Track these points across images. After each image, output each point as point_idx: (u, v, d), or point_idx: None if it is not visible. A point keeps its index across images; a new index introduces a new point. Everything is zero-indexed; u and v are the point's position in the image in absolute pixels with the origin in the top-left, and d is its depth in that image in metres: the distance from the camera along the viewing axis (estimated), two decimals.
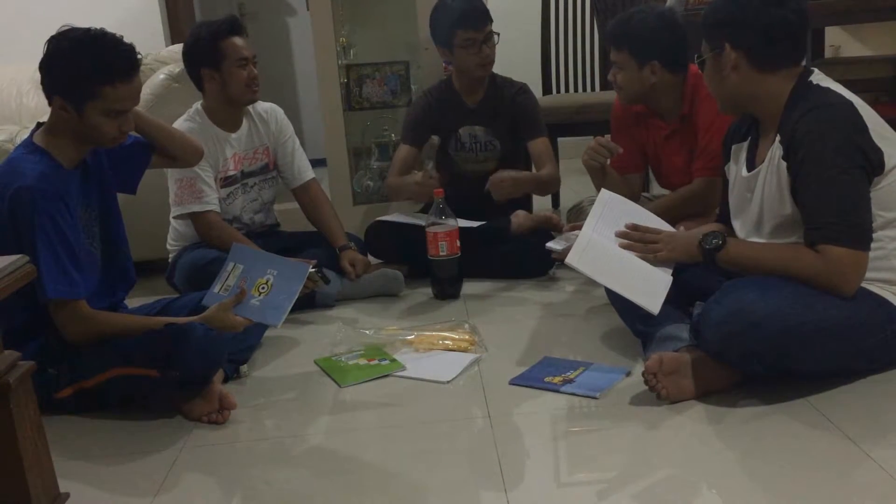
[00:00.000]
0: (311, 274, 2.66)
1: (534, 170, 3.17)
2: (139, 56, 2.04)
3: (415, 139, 3.18)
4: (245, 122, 2.91)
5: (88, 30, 2.01)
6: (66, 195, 2.02)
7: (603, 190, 2.31)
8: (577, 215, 2.98)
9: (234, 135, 2.88)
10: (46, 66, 2.02)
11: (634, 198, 2.81)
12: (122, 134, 2.10)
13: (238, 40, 2.77)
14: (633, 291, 2.01)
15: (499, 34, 3.04)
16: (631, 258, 2.08)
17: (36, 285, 1.92)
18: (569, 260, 2.04)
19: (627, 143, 2.73)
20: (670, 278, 2.04)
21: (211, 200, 2.79)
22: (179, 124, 2.81)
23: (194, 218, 2.80)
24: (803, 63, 1.97)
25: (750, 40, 1.91)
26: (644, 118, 2.74)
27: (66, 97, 2.00)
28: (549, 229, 3.05)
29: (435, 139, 3.17)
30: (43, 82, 2.04)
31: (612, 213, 2.19)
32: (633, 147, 2.76)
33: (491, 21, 3.02)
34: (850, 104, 1.86)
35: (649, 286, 2.01)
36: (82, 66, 1.97)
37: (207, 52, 2.75)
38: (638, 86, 2.58)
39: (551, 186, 3.18)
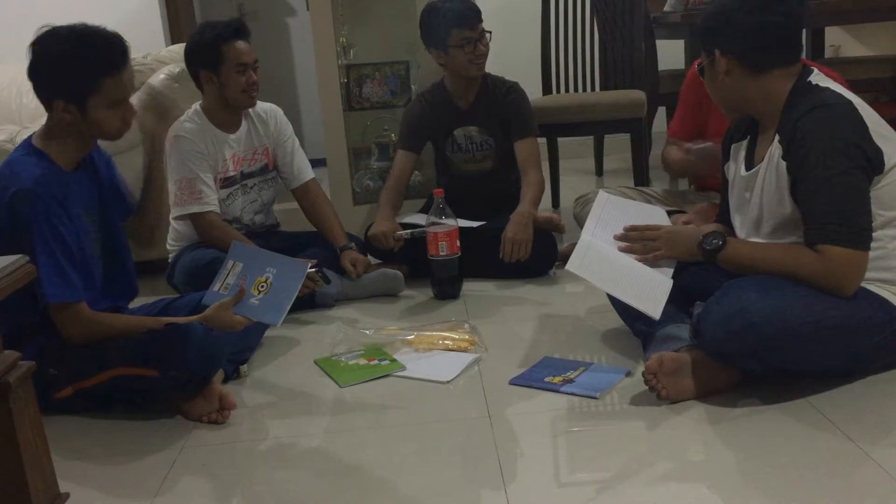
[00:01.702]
0: (311, 274, 2.67)
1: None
2: (126, 42, 2.05)
3: (411, 145, 3.18)
4: (244, 123, 2.91)
5: (73, 27, 2.01)
6: (65, 198, 2.02)
7: (600, 191, 2.32)
8: (584, 205, 2.97)
9: (233, 135, 2.88)
10: (40, 71, 2.01)
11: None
12: (126, 124, 2.09)
13: (240, 45, 2.76)
14: (634, 297, 2.01)
15: (490, 32, 3.05)
16: (632, 262, 2.08)
17: (36, 288, 1.92)
18: (569, 267, 2.04)
19: (692, 109, 2.74)
20: (671, 282, 2.04)
21: (210, 201, 2.79)
22: (179, 125, 2.81)
23: (194, 219, 2.80)
24: (800, 62, 1.97)
25: (737, 45, 1.92)
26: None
27: (67, 97, 1.99)
28: (549, 229, 3.05)
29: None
30: (38, 87, 2.03)
31: (610, 214, 2.20)
32: (696, 116, 2.76)
33: (482, 20, 3.04)
34: (850, 103, 1.86)
35: (650, 291, 2.01)
36: (79, 63, 1.97)
37: (207, 55, 2.75)
38: None
39: (541, 195, 3.13)
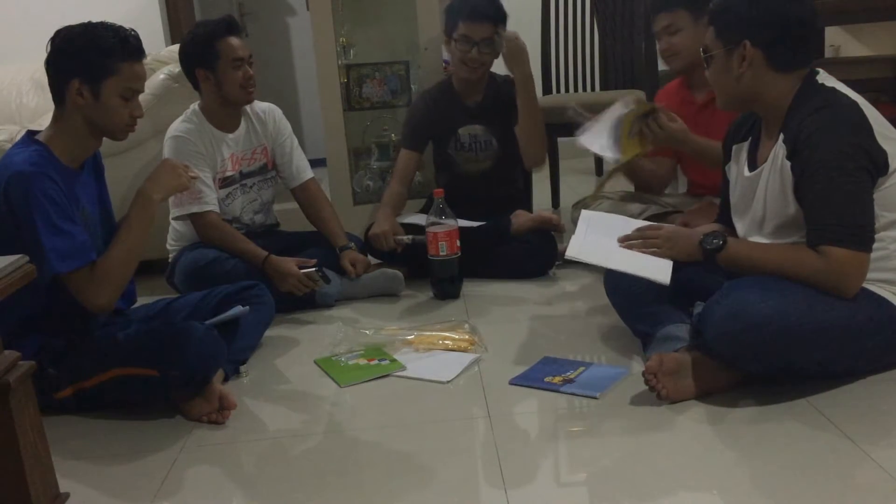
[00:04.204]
0: (311, 273, 2.68)
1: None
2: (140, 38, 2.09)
3: (414, 143, 3.17)
4: (243, 123, 2.91)
5: (90, 21, 2.05)
6: (66, 188, 2.00)
7: (583, 211, 2.33)
8: (580, 212, 2.97)
9: (231, 135, 2.87)
10: (61, 52, 2.03)
11: (662, 180, 2.87)
12: (133, 121, 2.10)
13: (234, 40, 2.75)
14: (639, 268, 2.01)
15: (500, 40, 2.98)
16: (629, 251, 2.09)
17: (41, 266, 1.89)
18: (569, 253, 2.05)
19: None
20: (671, 262, 2.04)
21: (210, 201, 2.78)
22: (177, 125, 2.80)
23: (194, 219, 2.80)
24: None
25: (773, 39, 1.89)
26: (677, 94, 2.75)
27: (84, 77, 2.01)
28: (549, 229, 3.05)
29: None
30: (56, 71, 2.04)
31: (597, 228, 2.20)
32: None
33: (496, 25, 2.96)
34: (856, 105, 1.85)
35: (653, 263, 2.02)
36: (102, 43, 2.00)
37: (203, 53, 2.75)
38: (696, 43, 2.57)
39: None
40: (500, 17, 3.01)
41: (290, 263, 2.71)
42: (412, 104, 3.31)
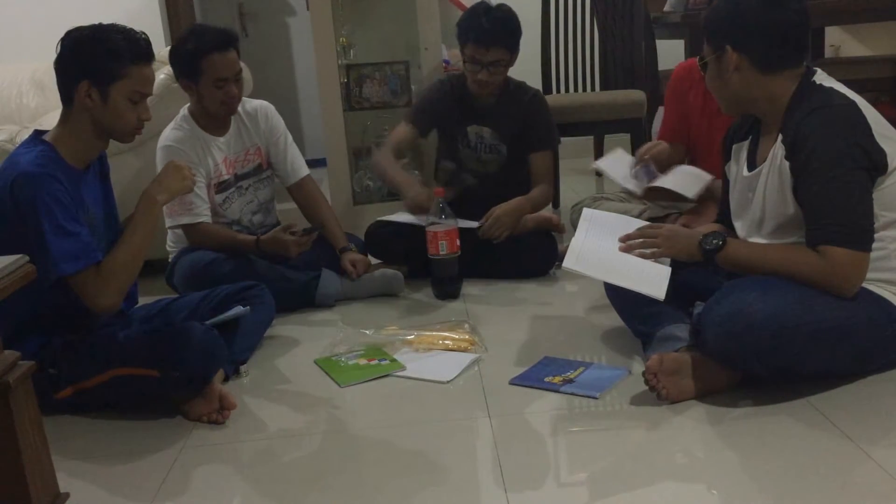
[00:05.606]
0: (300, 231, 2.72)
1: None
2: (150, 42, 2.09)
3: (418, 123, 3.11)
4: (233, 125, 2.87)
5: (100, 23, 2.04)
6: (68, 183, 2.00)
7: (585, 209, 2.33)
8: (579, 214, 2.97)
9: (222, 139, 2.85)
10: (71, 54, 2.02)
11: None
12: (140, 123, 2.10)
13: (220, 58, 2.68)
14: (634, 282, 2.01)
15: (509, 61, 2.96)
16: (627, 256, 2.08)
17: (47, 267, 1.90)
18: (566, 264, 2.05)
19: (678, 108, 2.75)
20: (669, 268, 2.04)
21: (201, 212, 2.77)
22: (167, 133, 2.79)
23: (185, 230, 2.79)
24: (805, 63, 1.97)
25: (751, 42, 1.91)
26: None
27: (93, 79, 2.00)
28: (549, 229, 3.05)
29: (449, 165, 3.11)
30: (65, 72, 2.04)
31: (598, 227, 2.20)
32: (681, 116, 2.79)
33: (509, 48, 2.91)
34: (854, 104, 1.85)
35: (650, 276, 2.02)
36: (112, 46, 2.00)
37: (186, 66, 2.72)
38: None
39: (543, 206, 3.12)
40: (510, 42, 2.92)
41: (277, 231, 2.72)
42: (430, 85, 3.24)
